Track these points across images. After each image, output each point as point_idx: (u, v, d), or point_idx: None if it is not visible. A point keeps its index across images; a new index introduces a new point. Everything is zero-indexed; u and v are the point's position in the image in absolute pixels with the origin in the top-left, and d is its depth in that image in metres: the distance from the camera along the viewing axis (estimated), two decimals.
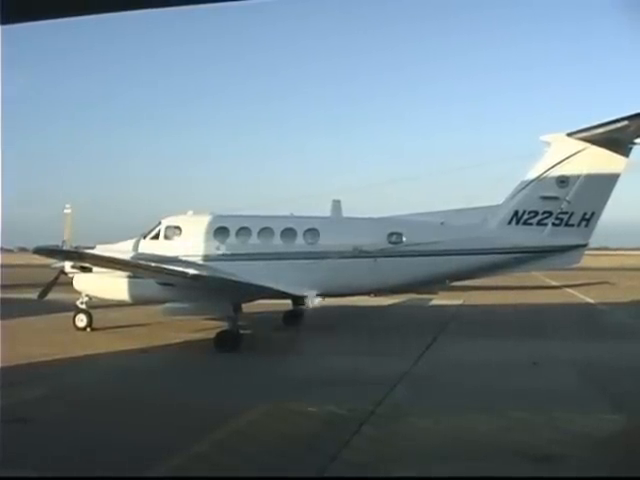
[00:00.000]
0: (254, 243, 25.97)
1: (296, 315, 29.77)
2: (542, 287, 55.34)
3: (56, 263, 27.40)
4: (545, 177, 25.42)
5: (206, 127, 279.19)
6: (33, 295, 30.69)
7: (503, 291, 48.98)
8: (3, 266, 66.92)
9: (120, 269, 23.09)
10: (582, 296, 46.96)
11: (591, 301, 43.35)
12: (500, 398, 15.36)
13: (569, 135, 25.26)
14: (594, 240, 27.80)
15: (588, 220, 25.53)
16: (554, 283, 58.78)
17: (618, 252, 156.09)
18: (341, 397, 15.26)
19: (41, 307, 31.42)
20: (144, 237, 26.31)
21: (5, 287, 45.35)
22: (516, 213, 25.60)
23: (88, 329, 26.88)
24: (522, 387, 16.63)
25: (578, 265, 28.07)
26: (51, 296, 29.64)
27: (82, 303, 27.21)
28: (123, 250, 24.73)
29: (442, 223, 26.14)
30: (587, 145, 24.99)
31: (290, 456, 11.14)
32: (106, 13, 4.43)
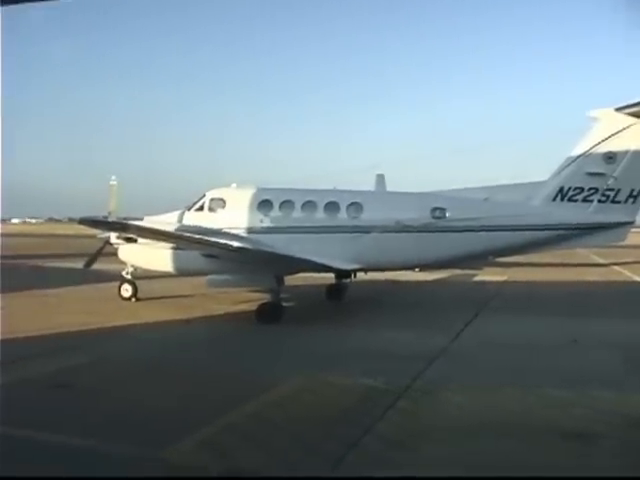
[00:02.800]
0: (297, 216, 26.01)
1: (339, 289, 29.83)
2: (589, 264, 54.67)
3: (102, 234, 27.78)
4: (592, 153, 25.07)
5: (251, 106, 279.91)
6: (79, 265, 31.16)
7: (548, 268, 48.63)
8: (52, 236, 67.88)
9: (164, 240, 23.33)
10: (630, 274, 46.33)
11: (638, 279, 42.77)
12: (537, 376, 15.32)
13: (617, 110, 24.84)
14: None
15: (635, 197, 25.15)
16: (601, 261, 58.03)
17: None
18: (378, 371, 15.32)
19: (87, 276, 31.93)
20: (189, 209, 26.49)
21: (54, 256, 46.13)
22: (561, 189, 25.31)
23: (133, 299, 27.33)
24: (560, 366, 16.53)
25: (626, 242, 27.75)
26: (97, 266, 30.13)
27: (127, 273, 27.64)
28: (168, 222, 24.94)
29: (486, 199, 25.95)
30: (636, 120, 24.56)
31: (324, 427, 11.25)
32: None
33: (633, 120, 24.60)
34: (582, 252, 54.08)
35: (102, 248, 28.35)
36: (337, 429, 11.14)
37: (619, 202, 25.07)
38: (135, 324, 22.06)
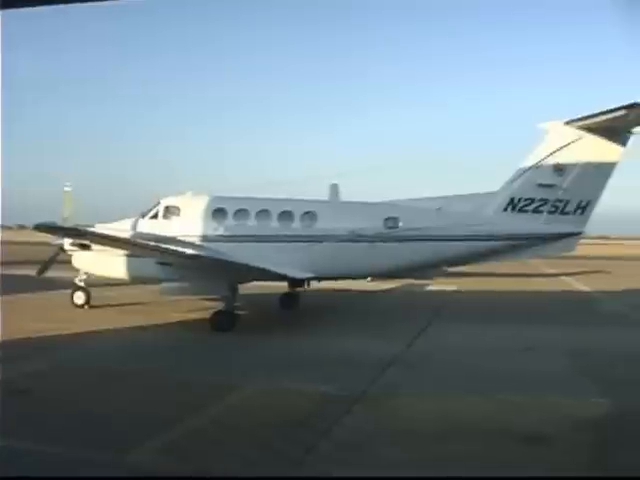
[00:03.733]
0: (252, 225, 26.06)
1: (292, 297, 29.95)
2: (538, 275, 55.50)
3: (55, 240, 27.57)
4: (542, 165, 25.50)
5: (206, 109, 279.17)
6: (32, 272, 30.87)
7: (499, 278, 49.25)
8: (2, 243, 67.06)
9: (119, 247, 23.26)
10: (578, 284, 47.17)
11: (586, 289, 43.55)
12: (492, 382, 15.65)
13: (567, 123, 25.31)
14: (594, 228, 27.98)
15: (584, 208, 25.65)
16: (551, 271, 58.92)
17: (618, 241, 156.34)
18: (333, 377, 15.55)
19: (40, 284, 31.64)
20: (143, 216, 26.40)
21: (4, 264, 45.55)
22: (512, 200, 25.70)
23: (86, 306, 27.14)
24: (514, 371, 16.94)
25: (576, 253, 28.29)
26: (50, 273, 29.88)
27: (80, 280, 27.44)
28: (122, 229, 24.85)
29: (439, 209, 26.23)
30: (584, 133, 25.03)
31: (282, 432, 11.37)
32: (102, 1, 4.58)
33: (581, 133, 25.08)
34: (532, 262, 54.76)
35: (56, 255, 28.12)
36: (295, 433, 11.27)
37: (568, 213, 25.54)
38: (90, 331, 21.95)
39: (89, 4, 4.71)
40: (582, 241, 27.34)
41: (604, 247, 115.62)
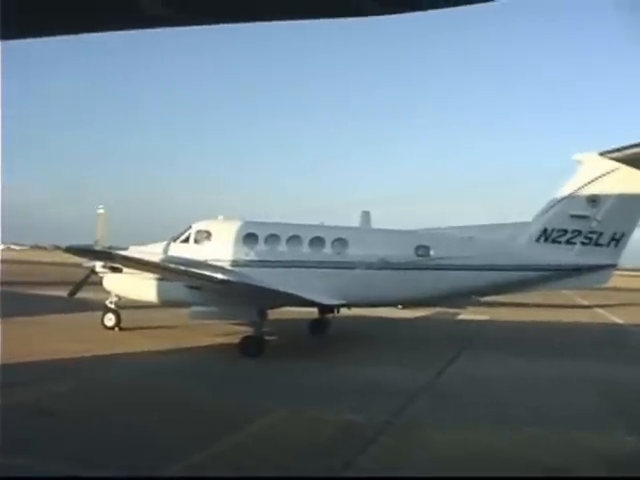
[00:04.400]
0: (282, 250, 26.11)
1: (322, 324, 29.87)
2: (571, 306, 54.97)
3: (87, 262, 27.77)
4: (576, 196, 25.38)
5: (244, 139, 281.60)
6: (64, 293, 31.07)
7: (531, 308, 48.82)
8: (37, 263, 67.68)
9: (149, 271, 23.38)
10: (612, 316, 46.62)
11: (620, 322, 43.04)
12: (518, 415, 15.46)
13: (601, 154, 25.21)
14: (629, 261, 27.71)
15: (618, 240, 25.44)
16: (585, 302, 58.35)
17: None
18: (360, 406, 15.44)
19: (71, 305, 31.84)
20: (174, 240, 26.55)
21: (37, 284, 45.97)
22: (545, 231, 25.56)
23: (116, 328, 27.21)
24: (540, 405, 16.70)
25: (611, 285, 28.01)
26: (81, 295, 30.07)
27: (111, 303, 27.53)
28: (154, 252, 24.98)
29: (470, 238, 26.12)
30: (619, 165, 24.90)
31: (306, 460, 11.31)
32: (104, 32, 4.59)
33: (616, 165, 24.95)
34: (566, 293, 54.31)
35: (87, 277, 28.29)
36: (320, 461, 11.21)
37: (602, 245, 25.34)
38: (118, 353, 21.99)
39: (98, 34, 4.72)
40: (616, 273, 27.07)
41: (638, 279, 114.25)
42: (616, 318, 45.40)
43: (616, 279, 28.43)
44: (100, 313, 27.83)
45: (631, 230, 25.67)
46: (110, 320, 27.42)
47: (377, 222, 32.20)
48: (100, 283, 26.93)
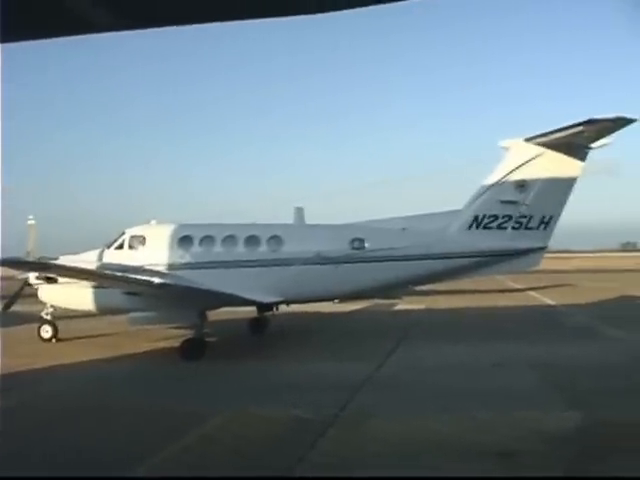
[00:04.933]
0: (218, 251, 26.05)
1: (261, 322, 29.89)
2: (505, 290, 55.83)
3: (21, 274, 27.36)
4: (504, 182, 25.81)
5: (170, 138, 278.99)
6: None
7: (466, 295, 49.52)
8: None
9: (85, 279, 23.14)
10: (544, 298, 47.54)
11: (552, 303, 43.91)
12: (461, 399, 15.75)
13: (527, 140, 25.66)
14: (555, 243, 28.31)
15: (547, 223, 25.96)
16: (517, 286, 59.32)
17: (578, 255, 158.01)
18: (306, 402, 15.53)
19: (6, 319, 31.27)
20: (108, 247, 26.30)
21: None
22: (476, 218, 25.95)
23: (53, 340, 26.84)
24: (484, 388, 17.04)
25: (540, 268, 28.55)
26: (16, 308, 29.56)
27: (47, 314, 27.14)
28: (87, 260, 24.75)
29: (404, 229, 26.37)
30: (544, 150, 25.39)
31: (258, 458, 11.38)
32: (104, 33, 4.61)
33: (541, 150, 25.44)
34: (499, 278, 55.15)
35: (21, 289, 27.88)
36: (272, 459, 11.29)
37: (532, 228, 25.84)
38: (58, 365, 21.72)
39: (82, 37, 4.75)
40: (546, 255, 27.63)
41: (567, 261, 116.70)
42: (548, 300, 46.31)
43: (545, 261, 28.95)
44: (36, 325, 27.42)
45: (559, 213, 26.21)
46: (47, 332, 27.03)
47: (312, 218, 32.17)
48: (35, 295, 26.55)
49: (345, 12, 4.36)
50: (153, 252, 25.87)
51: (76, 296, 24.32)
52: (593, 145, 25.26)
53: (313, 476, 9.80)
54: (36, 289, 26.34)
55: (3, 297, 30.43)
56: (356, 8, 4.32)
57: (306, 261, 25.60)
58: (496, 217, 25.85)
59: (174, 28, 4.67)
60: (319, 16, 4.34)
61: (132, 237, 26.44)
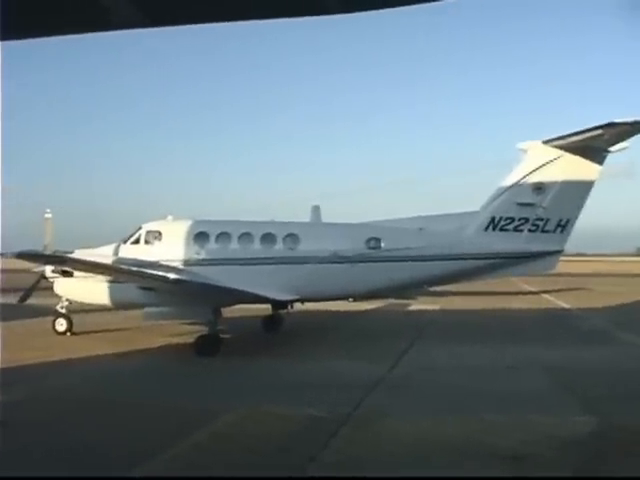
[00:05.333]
0: (234, 248, 26.06)
1: (275, 320, 29.89)
2: (520, 293, 55.66)
3: (37, 267, 27.46)
4: (521, 184, 25.72)
5: (188, 135, 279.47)
6: (13, 300, 30.65)
7: (481, 296, 49.37)
8: None
9: (101, 273, 23.19)
10: (559, 302, 47.40)
11: (567, 306, 43.77)
12: (475, 401, 15.72)
13: (545, 143, 25.58)
14: (571, 246, 28.20)
15: (564, 226, 25.86)
16: (531, 289, 59.11)
17: (594, 258, 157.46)
18: (319, 400, 15.52)
19: (21, 312, 31.42)
20: (124, 242, 26.33)
21: None
22: (493, 219, 25.87)
23: (68, 333, 26.94)
24: (496, 390, 17.00)
25: (555, 271, 28.46)
26: (32, 301, 29.67)
27: (62, 307, 27.22)
28: (104, 255, 24.77)
29: (420, 229, 26.33)
30: (562, 153, 25.30)
31: (269, 456, 11.37)
32: (104, 32, 4.61)
33: (559, 152, 25.35)
34: (512, 280, 55.00)
35: (37, 282, 27.96)
36: (283, 457, 11.29)
37: (548, 231, 25.74)
38: (72, 359, 21.77)
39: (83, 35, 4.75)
40: (561, 258, 27.53)
41: (583, 264, 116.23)
42: (563, 303, 46.17)
43: (561, 265, 28.85)
44: (51, 319, 27.52)
45: (576, 216, 26.11)
46: (62, 325, 27.13)
47: (328, 217, 32.26)
48: (51, 288, 26.64)
49: (369, 12, 4.34)
50: (169, 247, 25.91)
51: (91, 290, 24.38)
52: (611, 149, 25.14)
53: (324, 476, 9.78)
54: (52, 282, 26.43)
55: (17, 290, 30.50)
56: (377, 10, 4.31)
57: (322, 260, 25.59)
58: (513, 219, 25.77)
59: (190, 26, 4.65)
60: (342, 16, 4.33)
61: (148, 232, 26.47)
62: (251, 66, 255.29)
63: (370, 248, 25.73)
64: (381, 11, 4.36)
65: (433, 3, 4.31)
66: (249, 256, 25.85)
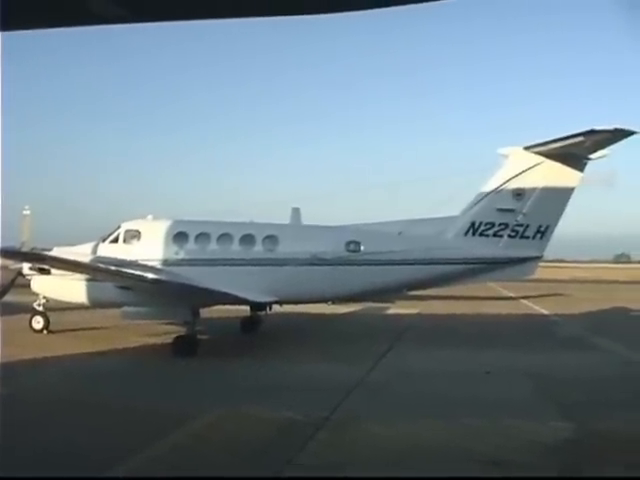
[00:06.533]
0: (213, 249, 25.98)
1: (254, 322, 29.82)
2: (498, 298, 55.85)
3: (14, 265, 27.25)
4: (502, 189, 25.79)
5: (168, 134, 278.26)
6: None
7: (460, 301, 49.51)
8: None
9: (79, 272, 23.06)
10: (537, 307, 47.59)
11: (546, 312, 43.93)
12: (452, 406, 15.66)
13: (526, 149, 25.67)
14: (551, 253, 28.29)
15: (543, 233, 25.96)
16: (510, 294, 59.31)
17: (573, 265, 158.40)
18: (296, 403, 15.45)
19: None
20: (103, 240, 26.20)
21: None
22: (473, 224, 25.92)
23: (45, 331, 26.77)
24: (474, 395, 16.99)
25: (534, 277, 28.56)
26: (9, 298, 29.42)
27: (39, 305, 27.07)
28: (82, 253, 24.63)
29: (400, 233, 26.35)
30: (543, 159, 25.39)
31: (246, 458, 11.32)
32: (106, 25, 4.55)
33: (540, 159, 25.44)
34: (491, 285, 55.14)
35: (14, 279, 27.77)
36: (260, 460, 11.22)
37: (528, 237, 25.83)
38: (49, 357, 21.65)
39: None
40: (541, 264, 27.64)
41: (562, 270, 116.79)
42: (541, 309, 46.35)
43: (540, 270, 28.98)
44: (28, 316, 27.32)
45: (555, 223, 26.21)
46: (38, 323, 26.96)
47: (308, 219, 32.11)
48: (28, 285, 26.45)
49: (353, 12, 4.31)
50: (148, 247, 25.79)
51: (69, 288, 24.24)
52: (592, 156, 25.25)
53: (303, 476, 9.74)
54: (29, 280, 26.25)
55: None
56: (366, 9, 4.28)
57: (301, 262, 25.55)
58: (493, 225, 25.83)
59: (160, 24, 4.60)
60: (326, 15, 4.29)
61: (127, 231, 26.34)
62: (226, 66, 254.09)
63: (350, 251, 25.70)
64: (365, 11, 4.33)
65: (425, 4, 4.28)
66: (228, 257, 25.75)
